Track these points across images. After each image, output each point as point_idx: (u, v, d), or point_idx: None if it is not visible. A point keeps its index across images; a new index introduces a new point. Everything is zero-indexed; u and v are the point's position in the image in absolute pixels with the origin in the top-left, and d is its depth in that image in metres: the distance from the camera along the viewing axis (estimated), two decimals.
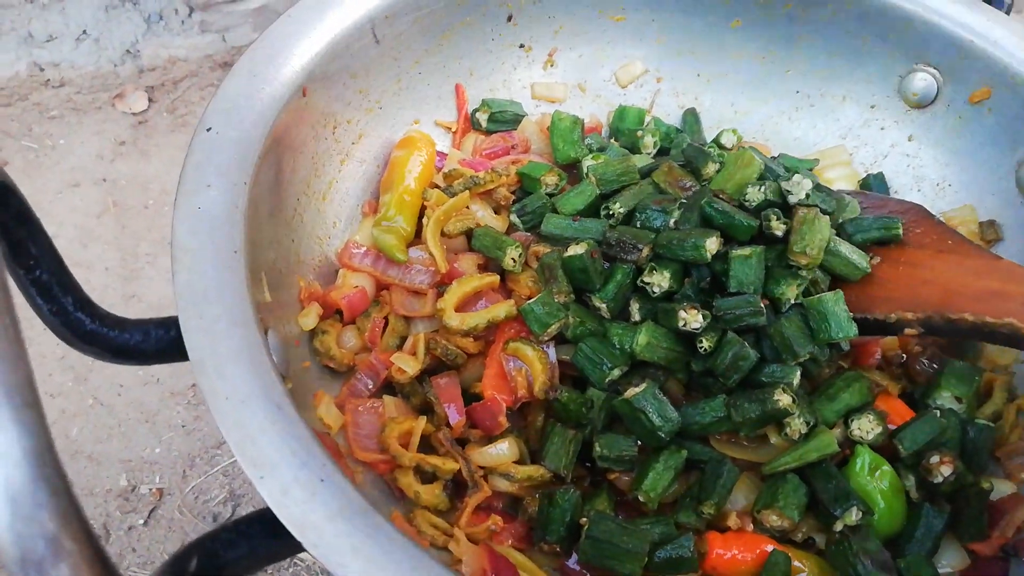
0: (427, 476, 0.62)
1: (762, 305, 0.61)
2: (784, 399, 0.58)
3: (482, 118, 0.82)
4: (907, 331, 0.59)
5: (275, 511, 0.40)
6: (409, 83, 0.78)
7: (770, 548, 0.58)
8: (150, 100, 1.68)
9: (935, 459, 0.62)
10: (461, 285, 0.66)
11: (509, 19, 0.82)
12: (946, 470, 0.62)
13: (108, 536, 1.29)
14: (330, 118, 0.70)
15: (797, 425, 0.58)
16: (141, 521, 1.31)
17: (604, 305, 0.64)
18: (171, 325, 0.50)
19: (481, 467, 0.63)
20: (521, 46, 0.84)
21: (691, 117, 0.87)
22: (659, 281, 0.63)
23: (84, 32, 1.59)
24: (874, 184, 0.82)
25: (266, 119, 0.59)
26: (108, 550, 1.31)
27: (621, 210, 0.68)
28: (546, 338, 0.64)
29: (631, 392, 0.60)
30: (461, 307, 0.67)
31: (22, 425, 0.28)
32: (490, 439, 0.64)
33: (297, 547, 0.41)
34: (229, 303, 0.48)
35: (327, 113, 0.69)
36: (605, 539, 0.56)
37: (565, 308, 0.65)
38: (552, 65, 0.86)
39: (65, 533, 0.27)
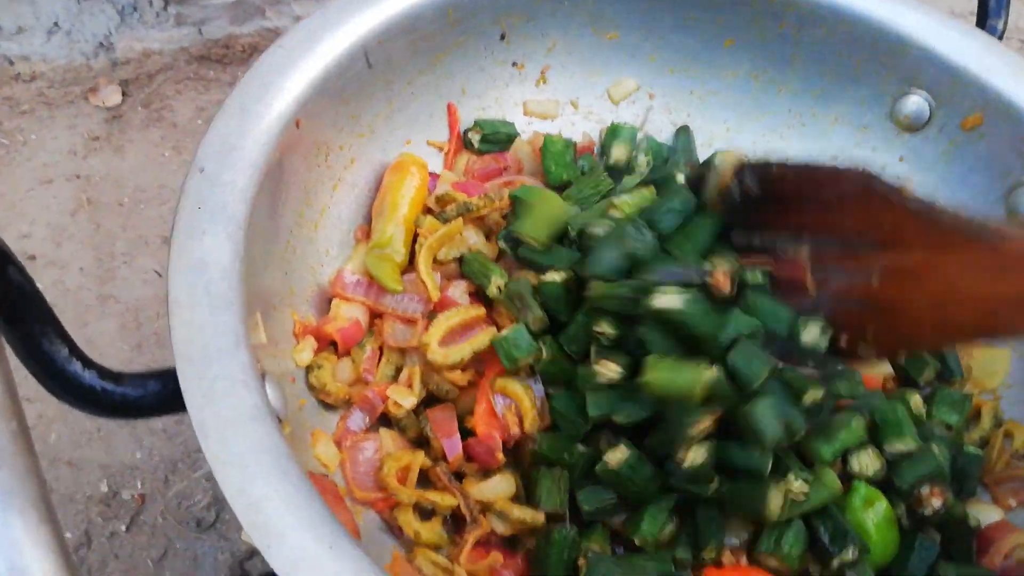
0: (426, 513, 0.62)
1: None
2: (775, 500, 0.57)
3: (474, 138, 0.81)
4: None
5: None
6: (401, 104, 0.77)
7: None
8: (124, 94, 1.64)
9: (926, 490, 0.63)
10: (447, 319, 0.66)
11: (502, 37, 0.81)
12: (936, 502, 0.63)
13: (90, 543, 1.28)
14: (323, 146, 0.69)
15: (798, 488, 0.58)
16: (123, 527, 1.29)
17: (568, 345, 0.64)
18: (168, 379, 0.49)
19: (479, 502, 0.63)
20: (514, 64, 0.83)
21: (684, 135, 0.87)
22: (607, 330, 0.59)
23: (55, 24, 1.54)
24: None
25: (259, 157, 0.58)
26: (90, 557, 1.30)
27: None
28: (521, 372, 0.64)
29: (612, 458, 0.59)
30: (448, 340, 0.66)
31: (39, 543, 0.27)
32: (486, 473, 0.64)
33: None
34: (228, 362, 0.47)
35: (320, 142, 0.68)
36: None
37: (540, 341, 0.64)
38: (545, 82, 0.85)
39: None
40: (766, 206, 0.58)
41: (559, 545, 0.60)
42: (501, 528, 0.61)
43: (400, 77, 0.74)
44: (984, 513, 0.67)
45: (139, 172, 1.57)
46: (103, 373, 0.48)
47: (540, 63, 0.84)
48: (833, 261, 0.54)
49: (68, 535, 1.25)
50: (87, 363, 0.47)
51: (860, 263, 0.53)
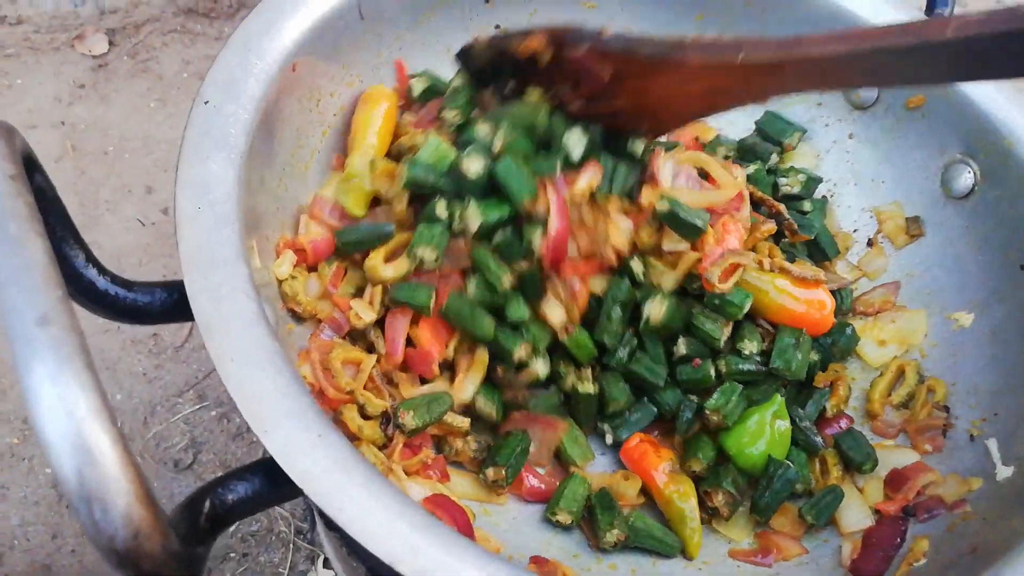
0: (365, 413, 0.67)
1: None
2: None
3: (417, 87, 0.82)
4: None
5: (280, 463, 0.45)
6: (389, 57, 0.81)
7: None
8: (111, 43, 1.65)
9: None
10: (396, 240, 0.70)
11: (487, 0, 0.85)
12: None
13: None
14: (315, 91, 0.73)
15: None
16: None
17: None
18: (174, 289, 0.54)
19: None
20: (496, 27, 0.88)
21: None
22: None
23: None
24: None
25: (259, 93, 0.63)
26: None
27: None
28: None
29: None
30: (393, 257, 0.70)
31: (85, 385, 0.32)
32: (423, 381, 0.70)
33: (296, 492, 0.46)
34: (230, 272, 0.52)
35: (313, 87, 0.73)
36: None
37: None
38: None
39: (122, 475, 0.32)
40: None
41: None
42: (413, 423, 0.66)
43: (390, 31, 0.79)
44: (902, 456, 0.74)
45: (124, 122, 1.60)
46: (116, 279, 0.53)
47: (522, 27, 0.89)
48: (578, 96, 0.72)
49: (47, 471, 1.29)
50: (102, 269, 0.52)
51: (595, 92, 0.71)
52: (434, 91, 0.81)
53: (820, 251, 0.85)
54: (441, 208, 0.67)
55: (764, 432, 0.69)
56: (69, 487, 0.32)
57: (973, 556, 0.58)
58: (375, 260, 0.68)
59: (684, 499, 0.68)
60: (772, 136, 0.90)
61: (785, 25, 0.87)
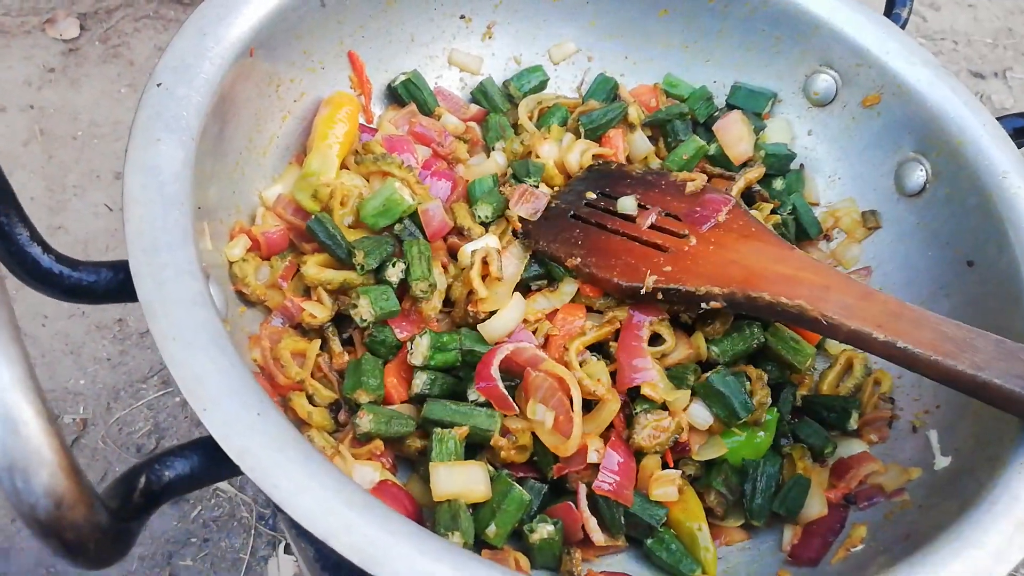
0: (314, 401, 0.68)
1: None
2: None
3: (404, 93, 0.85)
4: (712, 304, 0.68)
5: (217, 440, 0.45)
6: (352, 45, 0.82)
7: None
8: (82, 28, 1.64)
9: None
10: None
11: None
12: None
13: None
14: (274, 77, 0.74)
15: None
16: None
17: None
18: (120, 269, 0.54)
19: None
20: (462, 17, 0.89)
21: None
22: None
23: None
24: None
25: (214, 77, 0.63)
26: None
27: None
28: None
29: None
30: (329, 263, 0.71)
31: (9, 357, 0.33)
32: None
33: (235, 471, 0.46)
34: (176, 253, 0.53)
35: (271, 72, 0.73)
36: None
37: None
38: (490, 37, 0.91)
39: (46, 446, 0.33)
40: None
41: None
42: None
43: (352, 19, 0.79)
44: (849, 446, 0.76)
45: (94, 107, 1.59)
46: (60, 258, 0.53)
47: (487, 18, 0.90)
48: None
49: None
50: (46, 248, 0.52)
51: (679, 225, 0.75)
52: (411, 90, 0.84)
53: (802, 230, 0.86)
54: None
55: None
56: None
57: (907, 542, 0.60)
58: (311, 264, 0.69)
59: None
60: (747, 111, 0.91)
61: (749, 22, 0.89)
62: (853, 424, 0.74)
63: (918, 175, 0.83)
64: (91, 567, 0.37)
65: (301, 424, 0.66)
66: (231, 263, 0.67)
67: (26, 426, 0.32)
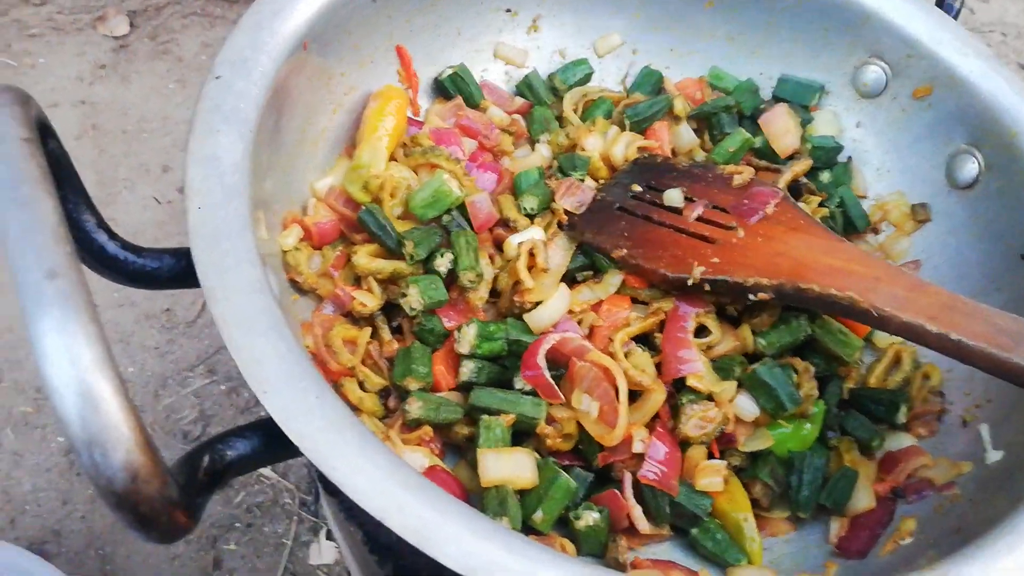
0: (364, 388, 0.69)
1: None
2: None
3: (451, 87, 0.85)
4: (760, 295, 0.67)
5: (278, 422, 0.47)
6: (401, 39, 0.83)
7: None
8: (132, 25, 1.68)
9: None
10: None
11: None
12: None
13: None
14: (325, 71, 0.75)
15: None
16: None
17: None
18: (182, 256, 0.56)
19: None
20: (508, 10, 0.89)
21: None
22: None
23: None
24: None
25: (270, 71, 0.65)
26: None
27: None
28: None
29: None
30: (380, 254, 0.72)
31: (90, 337, 0.34)
32: None
33: (293, 452, 0.48)
34: (236, 242, 0.54)
35: (323, 66, 0.74)
36: None
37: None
38: (536, 31, 0.92)
39: (123, 423, 0.34)
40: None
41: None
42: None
43: (401, 14, 0.81)
44: (898, 440, 0.75)
45: (144, 102, 1.63)
46: (126, 245, 0.55)
47: (533, 12, 0.90)
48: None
49: (59, 439, 1.32)
50: (112, 235, 0.54)
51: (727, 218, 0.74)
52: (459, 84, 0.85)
53: (849, 223, 0.86)
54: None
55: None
56: (72, 432, 0.34)
57: (957, 535, 0.59)
58: (361, 254, 0.70)
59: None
60: (794, 103, 0.90)
61: (797, 14, 0.88)
62: (902, 418, 0.73)
63: (970, 167, 0.82)
64: (161, 540, 0.39)
65: (353, 410, 0.67)
66: (284, 252, 0.68)
67: (106, 403, 0.34)
